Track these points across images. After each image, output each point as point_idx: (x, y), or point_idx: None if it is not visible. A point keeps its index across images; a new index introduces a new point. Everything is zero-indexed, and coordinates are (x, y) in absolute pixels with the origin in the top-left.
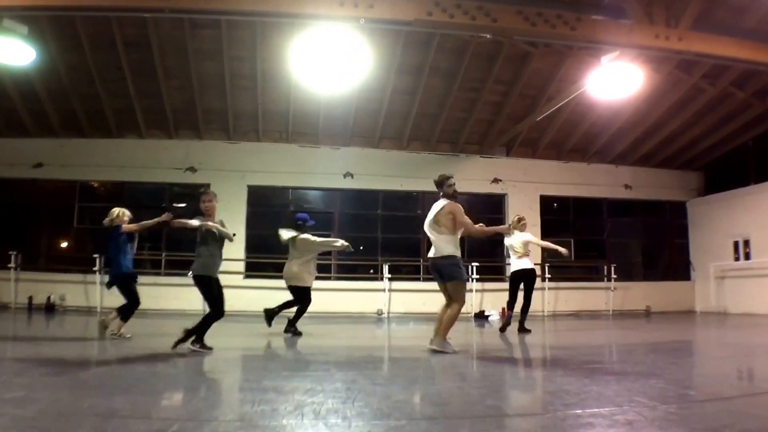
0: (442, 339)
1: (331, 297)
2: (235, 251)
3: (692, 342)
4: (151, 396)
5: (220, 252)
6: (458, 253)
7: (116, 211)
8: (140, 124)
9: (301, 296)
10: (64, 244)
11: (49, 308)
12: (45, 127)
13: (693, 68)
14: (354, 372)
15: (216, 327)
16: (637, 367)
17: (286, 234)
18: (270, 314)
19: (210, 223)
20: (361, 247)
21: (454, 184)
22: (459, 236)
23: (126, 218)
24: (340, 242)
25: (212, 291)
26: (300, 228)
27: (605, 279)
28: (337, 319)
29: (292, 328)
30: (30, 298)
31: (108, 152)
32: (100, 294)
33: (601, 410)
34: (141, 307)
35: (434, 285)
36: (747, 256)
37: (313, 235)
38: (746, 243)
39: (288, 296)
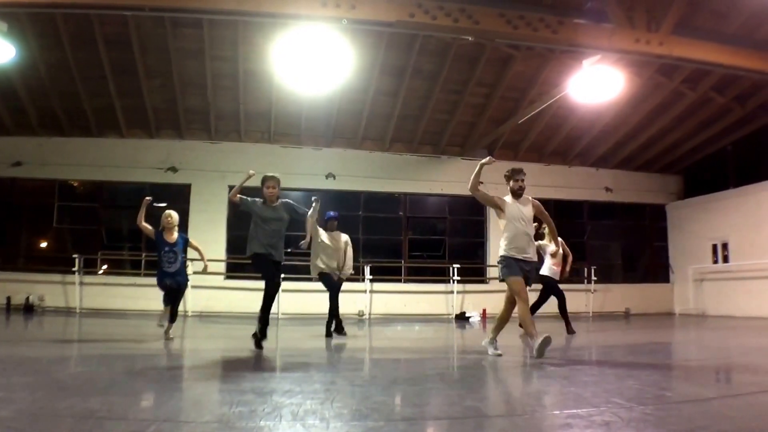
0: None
1: (312, 298)
2: (216, 252)
3: (670, 344)
4: (129, 397)
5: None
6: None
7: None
8: (121, 124)
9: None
10: (43, 244)
11: (28, 309)
12: (24, 126)
13: (673, 73)
14: (333, 373)
15: (198, 328)
16: (616, 368)
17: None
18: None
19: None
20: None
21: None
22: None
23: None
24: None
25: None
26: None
27: (585, 281)
28: (318, 320)
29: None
30: (8, 299)
31: (88, 151)
32: (79, 294)
33: (579, 411)
34: (121, 307)
35: (415, 286)
36: (725, 259)
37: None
38: (725, 246)
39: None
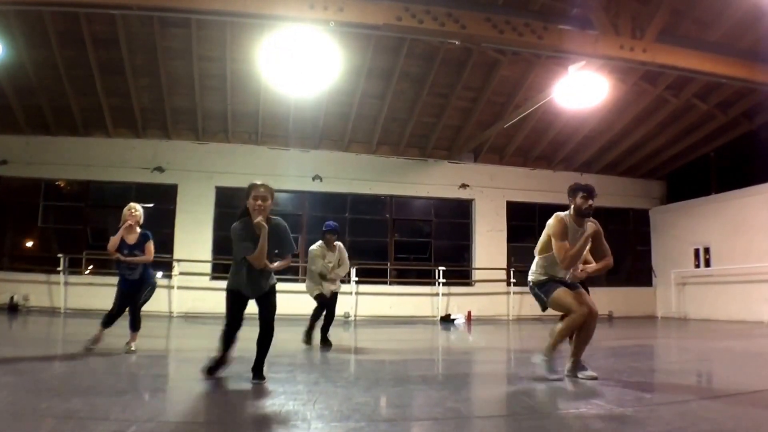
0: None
1: (297, 299)
2: (202, 253)
3: (652, 346)
4: (110, 397)
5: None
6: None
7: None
8: (107, 123)
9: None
10: (28, 244)
11: (12, 308)
12: (10, 124)
13: (657, 79)
14: (316, 374)
15: (182, 329)
16: (597, 370)
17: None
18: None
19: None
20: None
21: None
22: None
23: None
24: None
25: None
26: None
27: None
28: (304, 322)
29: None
30: None
31: (74, 150)
32: (64, 294)
33: (559, 413)
34: (106, 307)
35: (400, 288)
36: (707, 264)
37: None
38: (707, 250)
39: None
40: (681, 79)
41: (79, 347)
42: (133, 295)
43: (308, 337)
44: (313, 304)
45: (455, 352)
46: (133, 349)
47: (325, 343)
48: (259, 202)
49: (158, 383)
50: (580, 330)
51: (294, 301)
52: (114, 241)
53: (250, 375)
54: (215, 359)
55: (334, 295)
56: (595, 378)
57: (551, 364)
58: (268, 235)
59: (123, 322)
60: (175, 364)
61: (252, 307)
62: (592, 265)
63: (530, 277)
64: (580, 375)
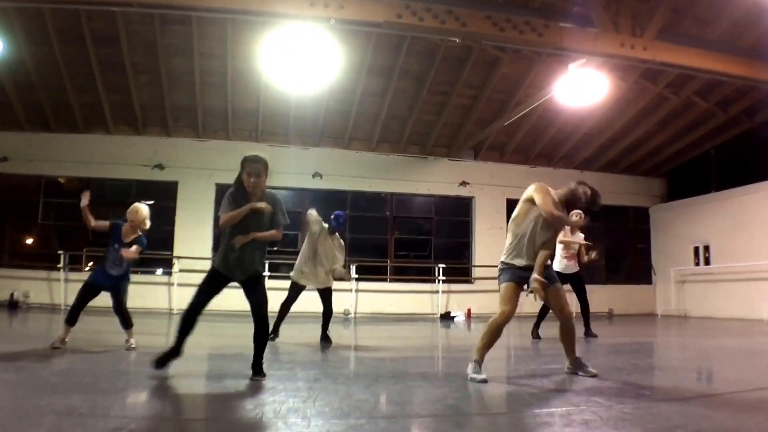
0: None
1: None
2: (202, 250)
3: (652, 344)
4: (111, 394)
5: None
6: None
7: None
8: (108, 120)
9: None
10: (28, 240)
11: (12, 305)
12: (11, 121)
13: (658, 77)
14: (317, 371)
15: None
16: (597, 368)
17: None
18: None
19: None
20: None
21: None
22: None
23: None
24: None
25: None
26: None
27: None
28: (304, 320)
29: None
30: None
31: (74, 147)
32: (64, 291)
33: (559, 410)
34: (106, 304)
35: (400, 286)
36: (707, 261)
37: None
38: (706, 248)
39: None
40: (681, 77)
41: (79, 344)
42: (115, 295)
43: (275, 332)
44: (316, 301)
45: (455, 350)
46: (133, 345)
47: (326, 340)
48: (253, 179)
49: (158, 380)
50: (560, 333)
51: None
52: (102, 224)
53: (250, 372)
54: (168, 350)
55: (327, 291)
56: (594, 375)
57: (476, 366)
58: (264, 210)
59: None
60: (175, 361)
61: (244, 304)
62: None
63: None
64: (580, 373)
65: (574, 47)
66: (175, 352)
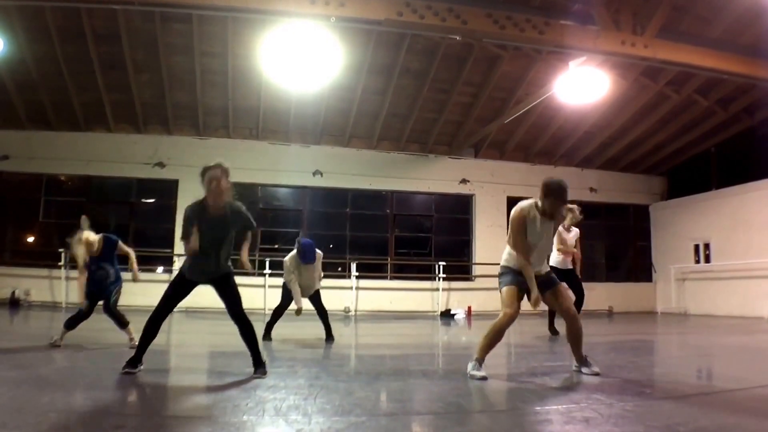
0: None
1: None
2: None
3: (652, 342)
4: (112, 392)
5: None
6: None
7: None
8: (108, 118)
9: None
10: (29, 238)
11: (14, 303)
12: (12, 119)
13: (658, 75)
14: (318, 369)
15: (183, 324)
16: (597, 365)
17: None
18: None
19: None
20: (331, 245)
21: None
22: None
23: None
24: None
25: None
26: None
27: None
28: (304, 317)
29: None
30: None
31: (75, 146)
32: (65, 289)
33: (559, 407)
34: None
35: (401, 283)
36: (707, 259)
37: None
38: (706, 246)
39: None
40: (682, 74)
41: (81, 342)
42: (105, 295)
43: (267, 335)
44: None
45: (455, 347)
46: (136, 343)
47: (329, 338)
48: (214, 183)
49: (159, 378)
50: (567, 333)
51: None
52: (81, 281)
53: (251, 370)
54: (132, 357)
55: (315, 294)
56: (597, 374)
57: (476, 364)
58: (230, 222)
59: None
60: (176, 359)
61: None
62: None
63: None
64: (584, 370)
65: (574, 45)
66: (139, 357)
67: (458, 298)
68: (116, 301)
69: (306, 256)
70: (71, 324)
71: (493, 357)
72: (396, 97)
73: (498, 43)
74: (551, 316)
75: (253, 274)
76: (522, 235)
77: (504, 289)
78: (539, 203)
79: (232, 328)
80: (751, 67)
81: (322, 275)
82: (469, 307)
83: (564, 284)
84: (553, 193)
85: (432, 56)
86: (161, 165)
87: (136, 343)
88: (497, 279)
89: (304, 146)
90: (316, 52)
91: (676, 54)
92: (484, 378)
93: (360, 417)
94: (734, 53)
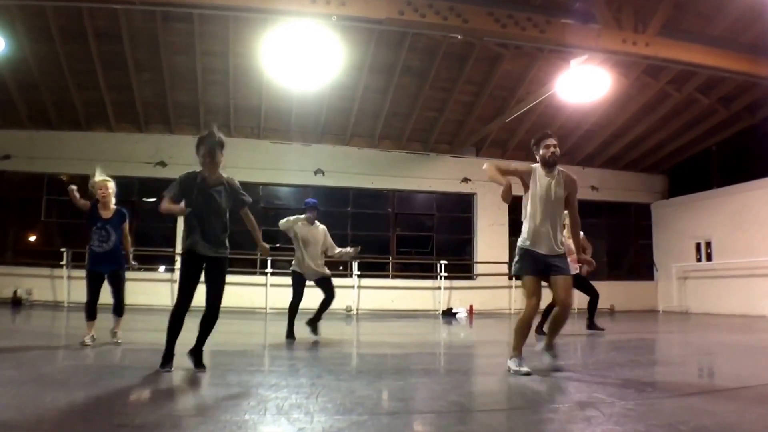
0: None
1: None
2: None
3: (653, 340)
4: (114, 390)
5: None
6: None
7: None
8: (110, 117)
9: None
10: (31, 238)
11: (16, 302)
12: (13, 119)
13: (660, 73)
14: (319, 368)
15: (185, 322)
16: (599, 363)
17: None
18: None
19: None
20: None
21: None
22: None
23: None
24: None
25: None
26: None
27: None
28: (307, 316)
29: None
30: None
31: (77, 145)
32: (67, 288)
33: (561, 406)
34: (109, 301)
35: (402, 282)
36: (709, 258)
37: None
38: (708, 245)
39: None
40: (683, 73)
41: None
42: (113, 282)
43: (290, 335)
44: (317, 299)
45: (457, 346)
46: (119, 341)
47: (314, 328)
48: (208, 159)
49: (161, 376)
50: (552, 319)
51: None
52: (83, 202)
53: (253, 368)
54: (164, 355)
55: (325, 280)
56: (559, 369)
57: (516, 359)
58: (226, 194)
59: (126, 316)
60: (178, 357)
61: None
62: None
63: None
64: (546, 357)
65: (576, 44)
66: (171, 353)
67: (460, 296)
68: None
69: (308, 202)
70: (90, 313)
71: (494, 356)
72: (397, 96)
73: (499, 41)
74: (545, 316)
75: (268, 253)
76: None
77: (524, 279)
78: (539, 161)
79: (233, 327)
80: (753, 66)
81: (339, 249)
82: (471, 306)
83: (571, 277)
84: (535, 139)
85: (433, 55)
86: (163, 164)
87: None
88: (513, 265)
89: (305, 145)
90: (317, 51)
91: (678, 52)
92: (528, 373)
93: (362, 416)
94: (735, 51)
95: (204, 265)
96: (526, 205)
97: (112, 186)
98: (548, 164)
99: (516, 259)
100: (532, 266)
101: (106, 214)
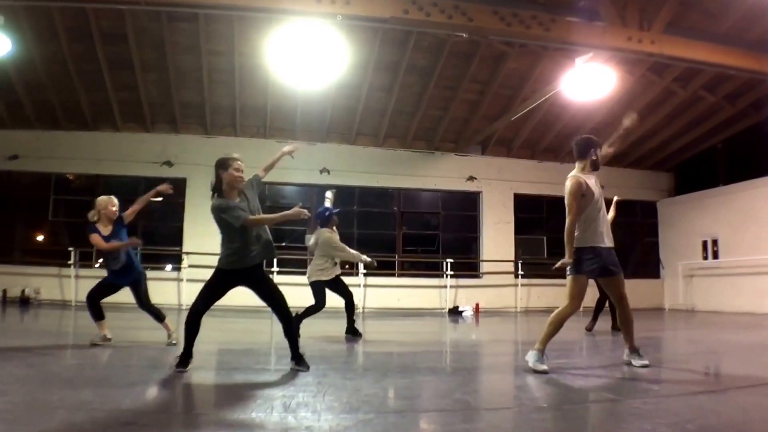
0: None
1: (307, 292)
2: (211, 246)
3: (660, 338)
4: (122, 389)
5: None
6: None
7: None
8: (116, 117)
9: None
10: (39, 237)
11: (24, 302)
12: (21, 119)
13: (665, 71)
14: (326, 366)
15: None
16: (605, 362)
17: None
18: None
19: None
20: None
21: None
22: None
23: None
24: (364, 257)
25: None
26: (325, 223)
27: None
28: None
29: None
30: (4, 291)
31: (84, 145)
32: (75, 288)
33: (567, 405)
34: (116, 300)
35: (408, 281)
36: (715, 255)
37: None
38: (714, 242)
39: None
40: (689, 70)
41: (89, 340)
42: (135, 291)
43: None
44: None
45: (463, 344)
46: (174, 342)
47: (353, 333)
48: (240, 174)
49: (168, 374)
50: (622, 321)
51: (304, 293)
52: (98, 239)
53: (259, 367)
54: (182, 355)
55: (337, 282)
56: (646, 366)
57: (539, 355)
58: (253, 193)
59: (134, 315)
60: (196, 357)
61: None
62: None
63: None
64: (634, 362)
65: (581, 41)
66: (189, 354)
67: (466, 295)
68: (146, 291)
69: (321, 216)
70: (96, 314)
71: (500, 355)
72: (402, 95)
73: (504, 40)
74: (597, 313)
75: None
76: (580, 197)
77: (578, 278)
78: (582, 168)
79: (239, 326)
80: (759, 63)
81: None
82: (477, 304)
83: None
84: (586, 143)
85: (438, 53)
86: (169, 164)
87: (174, 342)
88: (571, 266)
89: (310, 144)
90: (322, 51)
91: (683, 50)
92: (545, 372)
93: (368, 414)
94: (741, 49)
95: (247, 277)
96: (585, 209)
97: (115, 202)
98: (597, 168)
99: (578, 259)
100: (593, 267)
101: (107, 231)
